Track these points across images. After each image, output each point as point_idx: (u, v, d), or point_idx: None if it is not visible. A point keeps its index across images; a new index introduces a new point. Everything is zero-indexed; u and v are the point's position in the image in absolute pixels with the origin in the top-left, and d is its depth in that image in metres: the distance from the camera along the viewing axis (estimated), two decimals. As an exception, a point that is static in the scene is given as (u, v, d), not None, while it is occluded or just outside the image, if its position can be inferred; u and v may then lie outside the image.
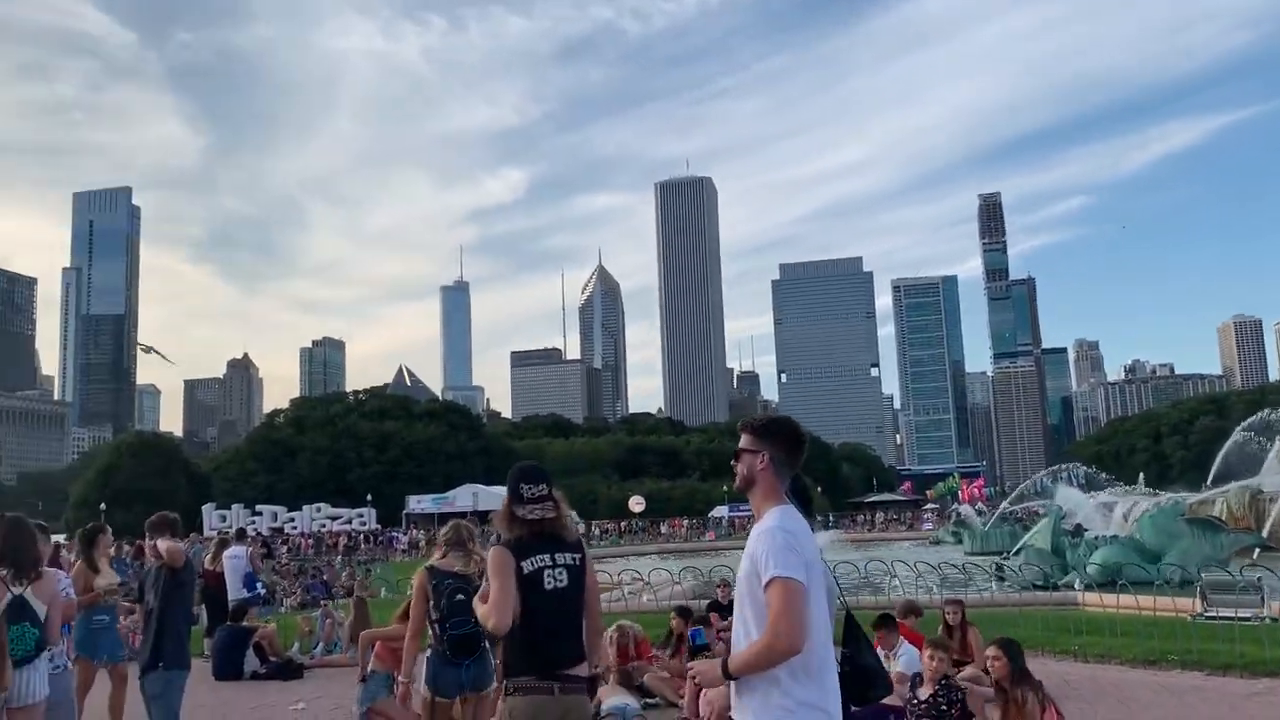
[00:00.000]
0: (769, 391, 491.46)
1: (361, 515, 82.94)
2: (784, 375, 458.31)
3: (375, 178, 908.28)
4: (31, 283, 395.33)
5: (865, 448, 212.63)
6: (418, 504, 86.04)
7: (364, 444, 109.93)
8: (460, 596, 5.98)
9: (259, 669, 13.54)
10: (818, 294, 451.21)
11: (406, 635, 6.49)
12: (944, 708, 7.58)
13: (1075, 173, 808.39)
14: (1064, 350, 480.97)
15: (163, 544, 7.34)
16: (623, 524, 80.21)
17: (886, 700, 8.58)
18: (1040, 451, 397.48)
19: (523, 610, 4.53)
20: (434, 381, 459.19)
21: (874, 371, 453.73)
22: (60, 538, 41.57)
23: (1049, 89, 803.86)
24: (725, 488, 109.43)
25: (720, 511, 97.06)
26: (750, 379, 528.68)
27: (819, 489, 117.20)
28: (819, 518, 70.44)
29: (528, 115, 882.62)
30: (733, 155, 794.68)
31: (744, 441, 3.79)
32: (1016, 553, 32.16)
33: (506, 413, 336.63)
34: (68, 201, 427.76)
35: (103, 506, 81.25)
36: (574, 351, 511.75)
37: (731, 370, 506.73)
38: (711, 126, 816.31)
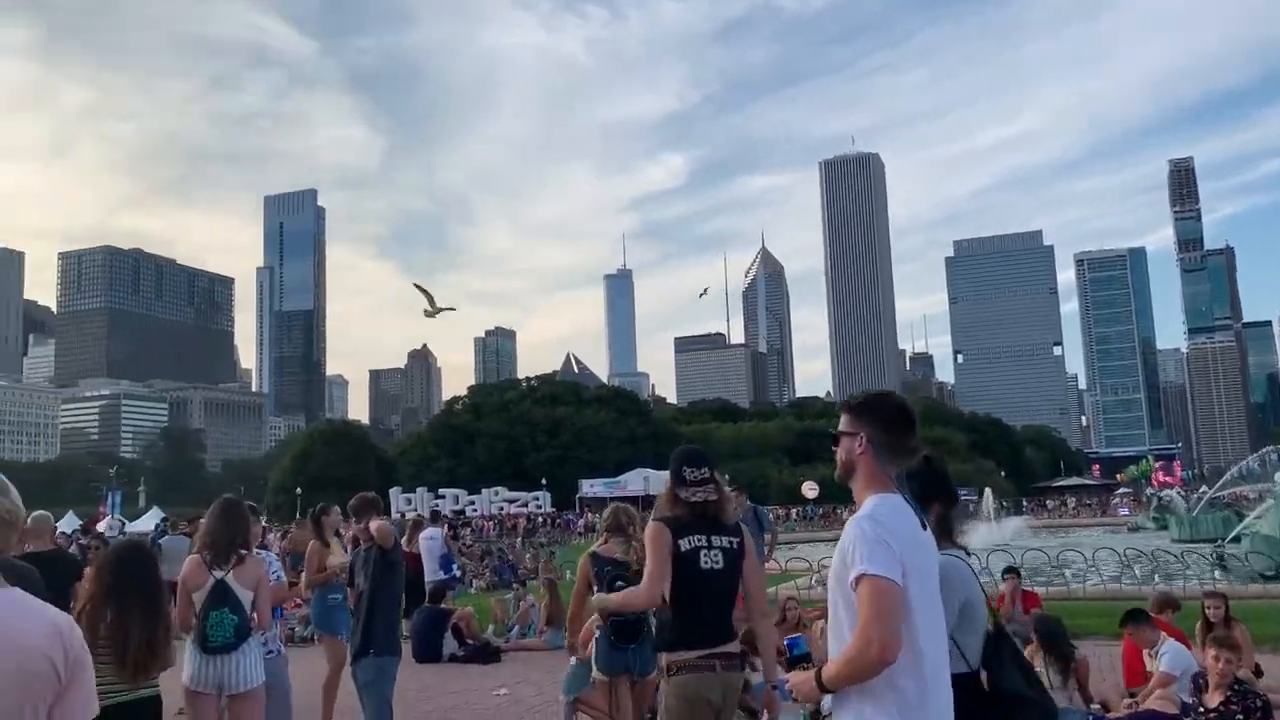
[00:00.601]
0: (944, 373, 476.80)
1: (537, 498, 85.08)
2: (960, 355, 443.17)
3: (539, 170, 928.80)
4: (229, 282, 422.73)
5: (1050, 430, 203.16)
6: (590, 488, 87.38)
7: (537, 429, 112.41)
8: (620, 584, 5.99)
9: (457, 651, 13.53)
10: (995, 270, 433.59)
11: (567, 617, 6.59)
12: (1239, 716, 6.53)
13: (1276, 133, 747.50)
14: (1268, 324, 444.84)
15: (374, 524, 7.12)
16: (794, 510, 78.89)
17: (1156, 706, 7.64)
18: (1242, 431, 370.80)
19: (678, 588, 4.66)
20: (600, 368, 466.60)
21: (1057, 350, 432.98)
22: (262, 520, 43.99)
23: (1245, 44, 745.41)
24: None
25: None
26: (924, 360, 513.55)
27: (1002, 473, 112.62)
28: (1004, 503, 67.18)
29: (688, 100, 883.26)
30: (900, 129, 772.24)
31: (842, 423, 3.28)
32: (1234, 539, 29.62)
33: (671, 398, 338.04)
34: (259, 205, 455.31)
35: (299, 491, 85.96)
36: (738, 336, 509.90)
37: (904, 352, 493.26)
38: (877, 101, 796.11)
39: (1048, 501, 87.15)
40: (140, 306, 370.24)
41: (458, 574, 18.40)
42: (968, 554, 4.01)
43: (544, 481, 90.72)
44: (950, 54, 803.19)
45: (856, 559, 2.92)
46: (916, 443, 3.27)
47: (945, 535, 3.77)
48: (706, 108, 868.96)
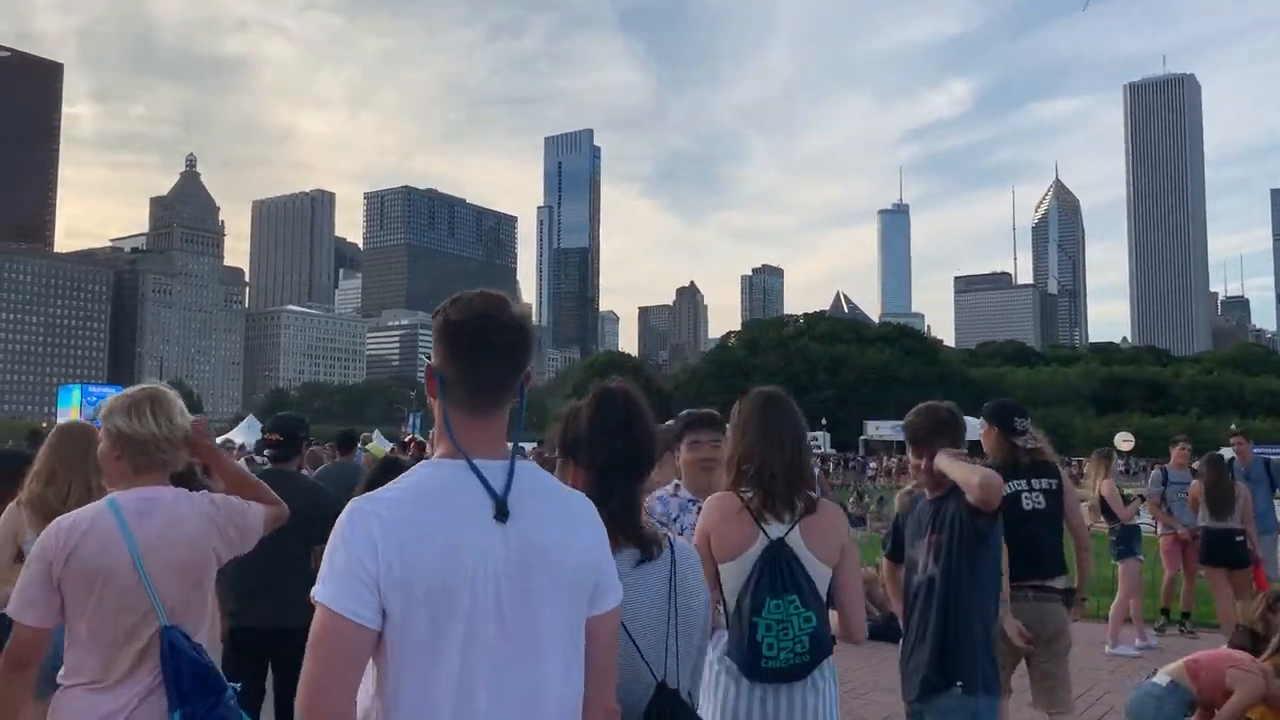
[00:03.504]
0: (1263, 319, 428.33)
1: (816, 439, 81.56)
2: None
3: (810, 103, 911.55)
4: (513, 221, 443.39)
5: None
6: (876, 430, 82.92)
7: (816, 367, 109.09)
8: None
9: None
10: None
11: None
12: None
13: None
14: None
15: (952, 464, 3.83)
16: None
17: None
18: None
19: (1005, 528, 4.87)
20: (871, 307, 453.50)
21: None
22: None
23: None
24: (1233, 425, 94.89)
25: (1224, 452, 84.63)
26: (1238, 304, 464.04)
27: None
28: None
29: (974, 21, 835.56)
30: (1221, 47, 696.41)
31: None
32: None
33: (949, 340, 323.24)
34: (539, 146, 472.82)
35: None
36: (1025, 275, 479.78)
37: (1214, 294, 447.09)
38: (1193, 16, 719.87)
39: None
40: (435, 243, 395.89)
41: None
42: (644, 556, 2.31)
43: (824, 421, 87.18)
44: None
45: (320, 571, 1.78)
46: (500, 370, 1.86)
47: (620, 526, 2.24)
48: (996, 29, 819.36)
